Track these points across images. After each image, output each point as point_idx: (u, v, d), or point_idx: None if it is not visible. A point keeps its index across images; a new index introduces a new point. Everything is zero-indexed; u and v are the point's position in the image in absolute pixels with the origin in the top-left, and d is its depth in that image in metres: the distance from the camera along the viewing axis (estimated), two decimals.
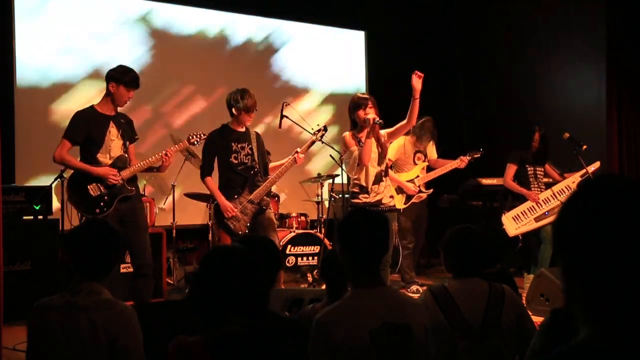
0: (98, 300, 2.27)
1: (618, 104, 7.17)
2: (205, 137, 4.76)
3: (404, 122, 4.67)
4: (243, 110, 4.70)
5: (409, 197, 5.97)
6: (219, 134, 4.80)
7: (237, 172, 4.74)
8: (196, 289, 1.79)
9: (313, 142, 4.93)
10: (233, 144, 4.75)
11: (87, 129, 4.27)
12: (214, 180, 4.79)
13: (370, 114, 4.56)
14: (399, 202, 5.81)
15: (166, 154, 4.47)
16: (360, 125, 4.66)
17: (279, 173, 4.86)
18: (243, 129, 4.84)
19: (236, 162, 4.75)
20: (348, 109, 4.77)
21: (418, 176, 6.05)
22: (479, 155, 6.18)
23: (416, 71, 4.54)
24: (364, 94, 4.80)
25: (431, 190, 6.19)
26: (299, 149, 4.89)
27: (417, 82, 4.53)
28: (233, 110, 4.74)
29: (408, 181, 6.00)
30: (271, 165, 5.10)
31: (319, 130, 4.97)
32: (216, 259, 1.80)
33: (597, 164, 5.91)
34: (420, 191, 6.02)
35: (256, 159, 4.81)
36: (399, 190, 5.89)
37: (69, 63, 6.51)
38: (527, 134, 5.91)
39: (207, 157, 4.79)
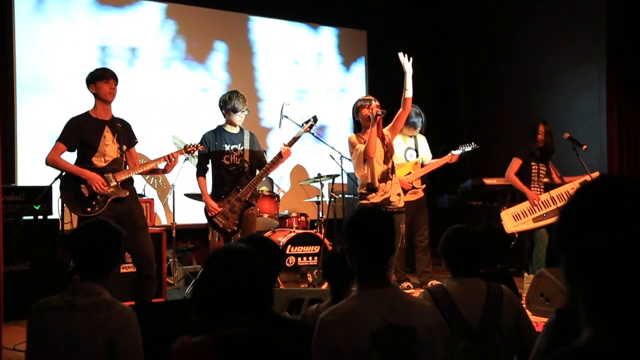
0: (97, 301, 2.26)
1: (618, 104, 7.17)
2: (202, 147, 4.83)
3: (400, 110, 4.73)
4: (231, 111, 4.90)
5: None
6: (212, 134, 4.97)
7: (228, 172, 4.91)
8: (201, 289, 1.78)
9: (301, 135, 4.96)
10: (226, 145, 4.92)
11: (81, 134, 4.26)
12: (206, 181, 5.00)
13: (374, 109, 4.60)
14: None
15: (169, 157, 4.47)
16: (364, 126, 4.68)
17: (266, 169, 4.91)
18: (237, 130, 5.00)
19: (228, 163, 4.92)
20: (352, 111, 4.82)
21: (410, 172, 5.93)
22: (470, 149, 6.05)
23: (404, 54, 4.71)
24: (366, 96, 4.86)
25: (424, 185, 6.04)
26: (284, 142, 4.91)
27: (406, 63, 4.72)
28: (223, 111, 4.96)
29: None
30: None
31: (307, 122, 4.98)
32: (222, 259, 1.79)
33: (596, 174, 5.90)
34: (413, 187, 5.89)
35: (247, 159, 4.94)
36: None
37: (70, 63, 6.51)
38: (531, 129, 5.90)
39: (201, 157, 4.96)
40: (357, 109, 4.73)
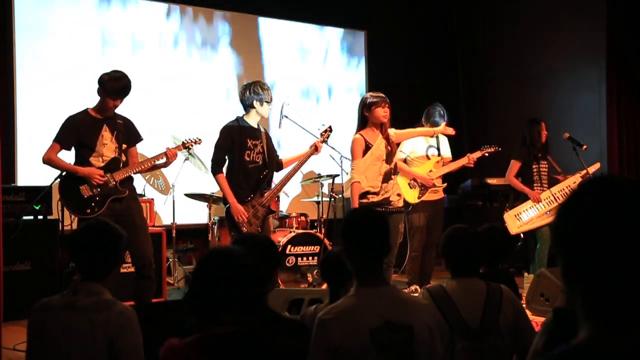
0: (97, 301, 2.27)
1: (618, 104, 7.17)
2: (200, 141, 4.70)
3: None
4: (265, 102, 4.56)
5: (422, 192, 5.69)
6: (237, 125, 4.57)
7: (248, 170, 4.52)
8: (193, 290, 1.80)
9: (324, 142, 4.84)
10: (248, 140, 4.53)
11: (77, 134, 4.22)
12: (225, 179, 4.53)
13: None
14: (412, 197, 5.62)
15: (166, 154, 4.45)
16: (372, 123, 4.66)
17: (295, 168, 4.74)
18: (256, 125, 4.64)
19: (248, 159, 4.52)
20: (361, 107, 4.72)
21: (431, 171, 5.76)
22: (493, 151, 5.85)
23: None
24: (378, 93, 4.74)
25: (445, 184, 5.87)
26: (317, 139, 4.78)
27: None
28: (254, 102, 4.55)
29: None
30: (285, 159, 4.88)
31: (325, 131, 4.89)
32: (210, 261, 1.82)
33: (597, 165, 5.91)
34: (434, 185, 5.71)
35: (267, 158, 4.61)
36: (413, 184, 5.69)
37: (71, 62, 6.51)
38: (531, 129, 5.85)
39: (221, 151, 4.53)
40: (369, 105, 4.65)
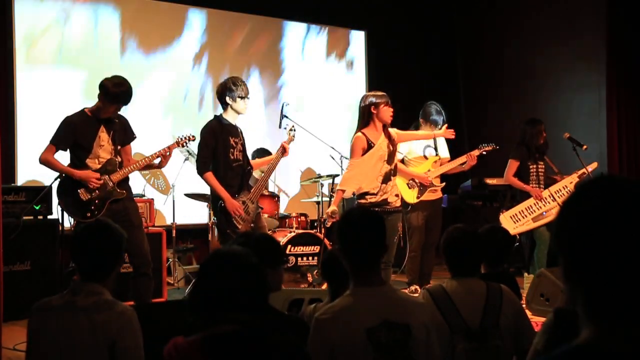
0: (98, 301, 2.27)
1: (618, 104, 7.18)
2: (193, 138, 4.68)
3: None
4: (239, 97, 4.50)
5: (421, 191, 5.69)
6: (218, 124, 4.53)
7: (232, 169, 4.51)
8: (196, 292, 1.80)
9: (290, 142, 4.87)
10: (230, 138, 4.51)
11: (74, 136, 4.21)
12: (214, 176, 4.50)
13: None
14: (411, 197, 5.61)
15: (163, 153, 4.45)
16: (375, 121, 4.66)
17: (270, 168, 4.78)
18: (234, 123, 4.61)
19: (232, 158, 4.51)
20: (365, 105, 4.71)
21: (429, 170, 5.75)
22: (490, 149, 5.83)
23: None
24: (379, 92, 4.77)
25: (444, 183, 5.84)
26: (284, 142, 4.82)
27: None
28: (227, 99, 4.51)
29: None
30: (255, 161, 4.93)
31: (289, 131, 4.92)
32: (214, 262, 1.82)
33: (594, 165, 5.89)
34: (432, 184, 5.70)
35: (246, 156, 4.65)
36: (411, 184, 5.69)
37: (71, 62, 6.51)
38: (532, 130, 5.84)
39: (206, 150, 4.46)
40: (376, 104, 4.65)
